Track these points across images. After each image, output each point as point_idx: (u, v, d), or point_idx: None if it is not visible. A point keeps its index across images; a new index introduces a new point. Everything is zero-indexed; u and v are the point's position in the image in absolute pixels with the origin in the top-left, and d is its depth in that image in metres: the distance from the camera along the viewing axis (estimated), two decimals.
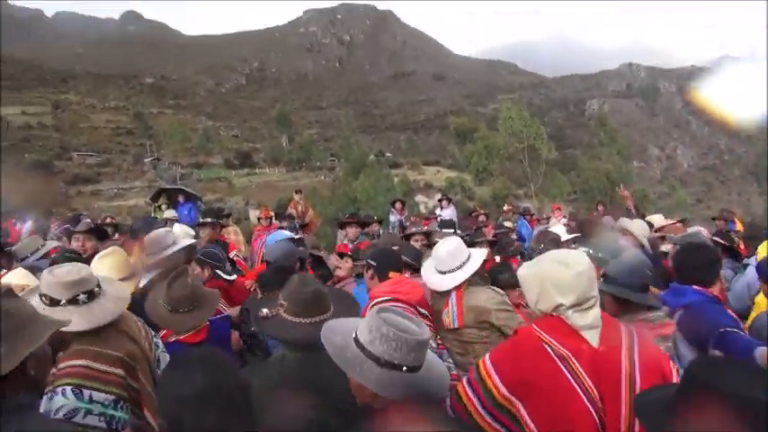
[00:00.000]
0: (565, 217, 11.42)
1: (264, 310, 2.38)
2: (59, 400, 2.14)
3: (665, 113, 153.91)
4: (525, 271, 2.19)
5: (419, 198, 48.74)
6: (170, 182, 47.59)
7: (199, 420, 1.48)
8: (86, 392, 2.18)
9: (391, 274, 3.30)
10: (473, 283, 3.32)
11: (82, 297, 2.31)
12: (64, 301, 2.27)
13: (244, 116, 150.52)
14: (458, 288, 3.23)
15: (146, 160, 77.17)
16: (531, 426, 1.92)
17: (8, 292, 1.91)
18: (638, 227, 5.23)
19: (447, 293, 3.24)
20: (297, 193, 11.67)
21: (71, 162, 74.63)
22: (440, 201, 13.46)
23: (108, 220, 10.28)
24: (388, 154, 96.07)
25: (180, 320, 2.97)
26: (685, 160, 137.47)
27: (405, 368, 1.72)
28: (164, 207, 10.19)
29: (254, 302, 2.74)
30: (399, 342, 1.72)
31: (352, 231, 7.01)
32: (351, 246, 6.41)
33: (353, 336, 1.82)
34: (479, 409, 2.02)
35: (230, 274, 4.46)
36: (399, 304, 2.97)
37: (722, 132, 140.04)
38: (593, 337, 2.00)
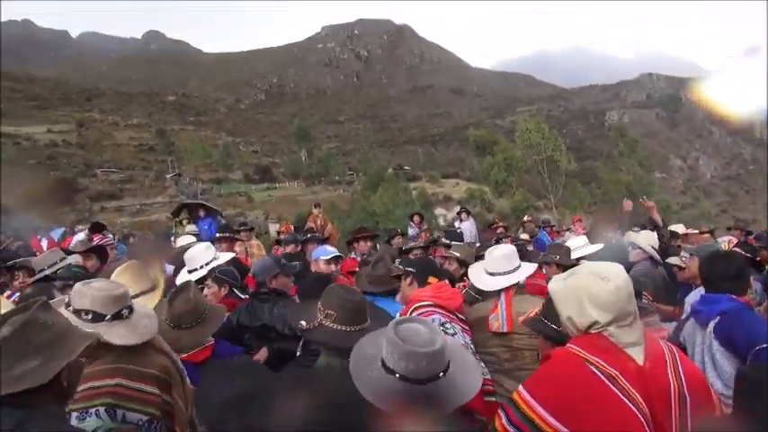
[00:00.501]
0: (585, 229, 11.30)
1: (303, 323, 2.43)
2: (93, 422, 2.10)
3: (686, 123, 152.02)
4: (558, 285, 2.05)
5: (438, 211, 48.64)
6: (191, 197, 48.23)
7: (239, 426, 1.49)
8: (120, 412, 2.14)
9: (431, 280, 3.37)
10: (520, 292, 3.38)
11: (125, 312, 2.28)
12: (109, 316, 2.23)
13: (263, 131, 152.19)
14: (507, 292, 3.28)
15: (167, 176, 78.25)
16: None
17: (44, 304, 1.86)
18: (644, 239, 5.18)
19: (494, 298, 3.31)
20: (316, 206, 11.73)
21: (95, 179, 75.94)
22: (459, 213, 13.43)
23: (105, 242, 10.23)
24: (406, 167, 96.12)
25: (181, 337, 2.87)
26: (708, 170, 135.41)
27: (418, 380, 1.69)
28: (185, 222, 10.31)
29: (292, 311, 2.78)
30: (411, 355, 1.69)
31: (363, 245, 6.96)
32: (359, 259, 6.41)
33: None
34: None
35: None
36: (439, 309, 3.06)
37: (746, 141, 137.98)
38: (638, 355, 1.90)
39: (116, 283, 2.44)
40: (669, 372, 1.91)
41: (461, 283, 4.47)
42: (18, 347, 1.64)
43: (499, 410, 1.96)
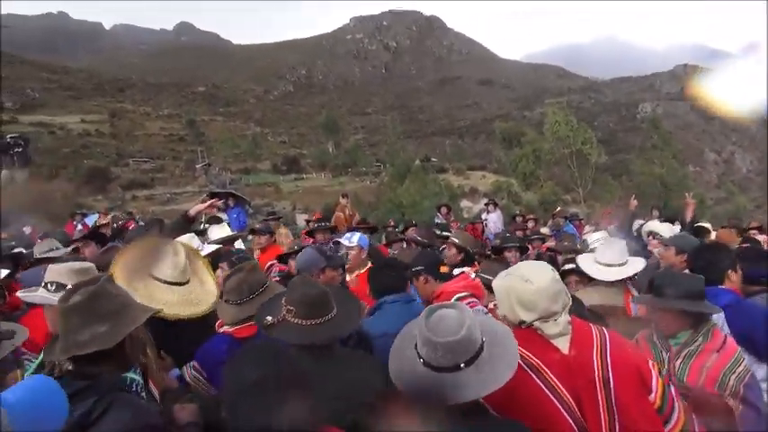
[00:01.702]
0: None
1: (269, 318, 2.42)
2: None
3: (722, 116, 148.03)
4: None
5: (464, 203, 48.26)
6: (220, 187, 48.73)
7: (258, 409, 1.48)
8: None
9: (442, 269, 3.47)
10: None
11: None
12: (70, 286, 2.37)
13: (291, 122, 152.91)
14: None
15: (197, 166, 79.21)
16: None
17: (109, 278, 2.05)
18: (666, 229, 5.16)
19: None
20: (344, 197, 11.76)
21: (127, 168, 77.30)
22: (486, 205, 13.40)
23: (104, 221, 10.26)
24: (433, 159, 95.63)
25: (228, 311, 2.98)
26: (744, 164, 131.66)
27: (441, 367, 1.75)
28: (214, 210, 10.41)
29: (260, 309, 2.72)
30: (436, 345, 1.75)
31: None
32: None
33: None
34: None
35: None
36: (475, 299, 3.16)
37: None
38: (563, 345, 2.08)
39: (83, 262, 2.65)
40: (595, 358, 2.08)
41: (471, 269, 4.38)
42: (88, 314, 1.83)
43: None
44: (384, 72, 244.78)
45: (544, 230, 9.96)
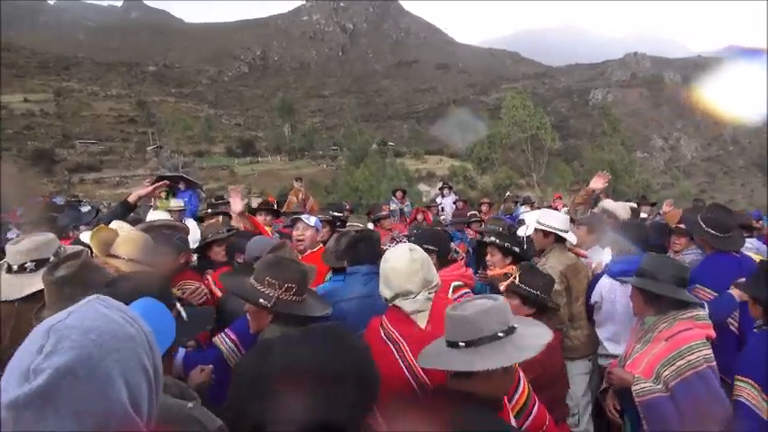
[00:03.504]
0: (565, 206, 11.35)
1: (263, 301, 2.46)
2: None
3: (669, 104, 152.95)
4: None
5: (421, 187, 48.63)
6: (172, 170, 47.56)
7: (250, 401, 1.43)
8: None
9: (451, 257, 3.55)
10: None
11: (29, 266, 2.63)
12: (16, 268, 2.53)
13: (246, 105, 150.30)
14: None
15: (148, 149, 77.13)
16: None
17: (89, 252, 2.30)
18: (619, 208, 5.37)
19: None
20: (297, 180, 11.67)
21: (73, 150, 74.58)
22: (441, 189, 13.50)
23: None
24: (390, 143, 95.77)
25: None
26: (689, 151, 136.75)
27: (461, 344, 1.83)
28: (163, 194, 10.15)
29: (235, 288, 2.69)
30: (458, 321, 1.86)
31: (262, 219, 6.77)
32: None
33: None
34: None
35: None
36: (468, 290, 3.28)
37: (726, 123, 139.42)
38: (421, 321, 2.30)
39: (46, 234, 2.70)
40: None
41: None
42: (78, 284, 1.98)
43: None
44: (341, 54, 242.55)
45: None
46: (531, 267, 3.24)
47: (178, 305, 2.06)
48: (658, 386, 2.63)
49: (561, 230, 4.35)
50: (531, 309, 2.98)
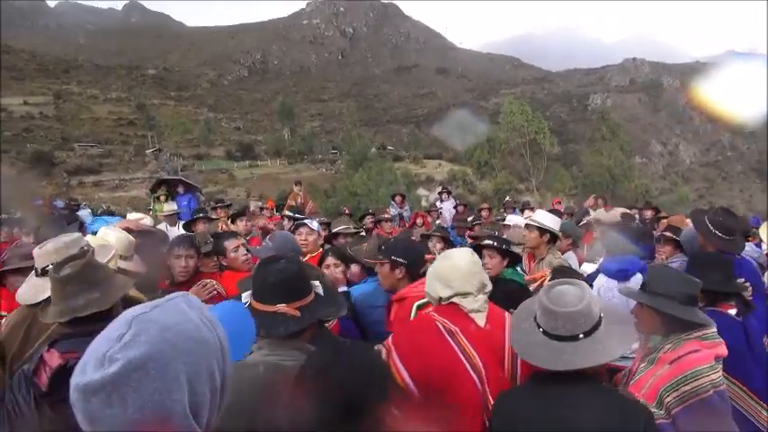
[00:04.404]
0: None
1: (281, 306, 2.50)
2: None
3: (667, 109, 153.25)
4: (430, 268, 2.60)
5: (420, 191, 48.67)
6: (171, 173, 47.57)
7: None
8: None
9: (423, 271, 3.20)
10: None
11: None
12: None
13: (246, 108, 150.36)
14: None
15: (147, 152, 77.17)
16: (408, 379, 2.23)
17: (94, 251, 2.39)
18: (609, 217, 5.42)
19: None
20: (297, 184, 11.68)
21: (72, 153, 74.64)
22: (440, 194, 13.50)
23: None
24: (390, 147, 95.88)
25: None
26: (688, 156, 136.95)
27: (560, 335, 1.89)
28: (162, 198, 10.17)
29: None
30: (556, 314, 1.91)
31: (242, 225, 6.85)
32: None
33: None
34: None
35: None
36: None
37: (725, 128, 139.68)
38: (480, 319, 2.39)
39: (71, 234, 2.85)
40: (506, 333, 2.38)
41: None
42: (81, 282, 2.10)
43: (382, 347, 2.39)
44: (341, 59, 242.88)
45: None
46: (565, 269, 3.24)
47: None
48: (660, 412, 2.38)
49: (555, 229, 4.65)
50: None
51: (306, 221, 5.32)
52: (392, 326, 2.97)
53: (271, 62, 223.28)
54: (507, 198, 14.57)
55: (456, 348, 2.28)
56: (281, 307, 2.01)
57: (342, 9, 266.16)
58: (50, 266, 2.51)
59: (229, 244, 4.23)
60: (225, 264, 4.29)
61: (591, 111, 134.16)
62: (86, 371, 0.87)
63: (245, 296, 2.18)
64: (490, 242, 4.11)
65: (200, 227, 6.33)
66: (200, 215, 6.77)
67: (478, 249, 3.93)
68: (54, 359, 1.98)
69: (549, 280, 3.03)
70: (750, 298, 3.41)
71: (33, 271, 2.67)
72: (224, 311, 1.63)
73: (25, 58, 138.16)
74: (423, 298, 2.95)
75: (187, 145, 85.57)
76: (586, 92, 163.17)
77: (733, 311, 2.97)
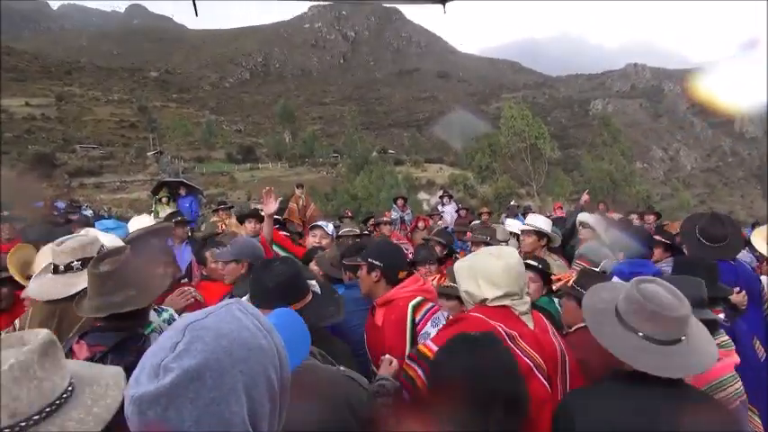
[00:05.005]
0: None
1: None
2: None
3: (668, 114, 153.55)
4: (461, 263, 2.39)
5: (421, 195, 48.63)
6: (172, 175, 47.56)
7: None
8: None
9: (401, 275, 3.08)
10: None
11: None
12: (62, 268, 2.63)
13: (247, 111, 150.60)
14: None
15: (149, 154, 77.24)
16: None
17: (130, 249, 2.36)
18: (595, 220, 5.43)
19: None
20: (298, 187, 11.66)
21: (74, 154, 74.69)
22: (441, 197, 13.53)
23: None
24: (391, 151, 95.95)
25: None
26: (689, 162, 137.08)
27: (660, 340, 1.76)
28: (164, 200, 10.18)
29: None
30: (658, 316, 1.77)
31: (251, 227, 6.41)
32: None
33: (614, 306, 1.88)
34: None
35: None
36: (431, 304, 2.95)
37: (726, 134, 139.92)
38: (529, 322, 2.24)
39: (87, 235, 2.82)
40: (552, 337, 2.26)
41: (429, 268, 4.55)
42: (119, 279, 2.13)
43: (411, 362, 2.19)
44: (342, 62, 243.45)
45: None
46: (590, 271, 3.14)
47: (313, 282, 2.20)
48: None
49: (548, 231, 4.65)
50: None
51: (321, 224, 5.34)
52: (382, 330, 2.81)
53: (272, 65, 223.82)
54: (513, 203, 14.57)
55: (521, 353, 2.11)
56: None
57: (344, 13, 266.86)
58: (74, 263, 2.55)
59: (210, 254, 4.17)
60: (205, 273, 4.27)
61: (592, 116, 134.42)
62: (141, 381, 0.86)
63: (245, 300, 2.18)
64: (534, 263, 3.64)
65: (179, 231, 6.04)
66: (178, 219, 6.39)
67: None
68: (83, 351, 2.00)
69: (575, 281, 2.96)
70: (745, 303, 3.43)
71: (46, 268, 2.66)
72: (278, 318, 1.59)
73: (28, 60, 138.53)
74: (415, 297, 2.89)
75: (188, 147, 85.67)
76: (587, 97, 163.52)
77: (721, 316, 2.88)
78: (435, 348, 2.05)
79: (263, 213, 5.17)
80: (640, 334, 1.78)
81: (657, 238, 4.89)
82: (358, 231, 5.98)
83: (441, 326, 2.68)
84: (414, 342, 2.75)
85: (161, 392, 0.83)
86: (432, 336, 2.62)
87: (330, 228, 5.27)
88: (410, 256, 4.72)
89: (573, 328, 2.87)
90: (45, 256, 2.92)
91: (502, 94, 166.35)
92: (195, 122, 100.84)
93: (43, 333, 1.18)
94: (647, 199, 40.88)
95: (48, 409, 1.10)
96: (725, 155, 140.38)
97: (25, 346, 1.12)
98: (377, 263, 3.05)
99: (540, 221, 4.84)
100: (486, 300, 2.23)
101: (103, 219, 8.95)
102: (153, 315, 2.57)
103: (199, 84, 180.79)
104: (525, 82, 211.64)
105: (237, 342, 0.91)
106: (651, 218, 9.17)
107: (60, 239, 2.68)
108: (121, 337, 1.97)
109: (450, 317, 2.94)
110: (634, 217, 9.55)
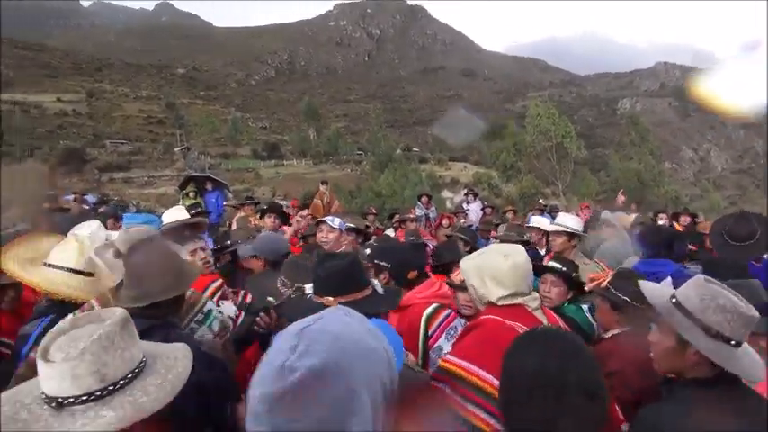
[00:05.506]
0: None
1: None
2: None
3: (699, 114, 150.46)
4: (467, 263, 2.34)
5: (445, 194, 48.46)
6: (199, 171, 48.03)
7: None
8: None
9: (411, 275, 3.01)
10: None
11: None
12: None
13: (272, 108, 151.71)
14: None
15: (176, 149, 78.20)
16: None
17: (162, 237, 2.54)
18: (619, 219, 5.39)
19: None
20: (323, 183, 11.72)
21: (104, 150, 76.02)
22: (466, 195, 13.49)
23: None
24: (415, 149, 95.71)
25: None
26: (719, 163, 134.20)
27: (732, 342, 1.68)
28: (191, 194, 10.26)
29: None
30: (735, 315, 1.68)
31: (270, 222, 6.62)
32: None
33: (672, 300, 1.81)
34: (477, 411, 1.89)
35: None
36: (447, 311, 2.85)
37: (758, 135, 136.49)
38: (542, 317, 2.23)
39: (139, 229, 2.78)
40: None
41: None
42: (155, 268, 2.19)
43: (436, 383, 2.03)
44: (367, 60, 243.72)
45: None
46: (626, 272, 3.04)
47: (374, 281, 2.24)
48: None
49: (580, 231, 4.59)
50: (620, 314, 2.73)
51: (326, 219, 5.31)
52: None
53: (298, 63, 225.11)
54: (540, 201, 14.51)
55: None
56: (328, 300, 2.09)
57: (369, 11, 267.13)
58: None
59: (187, 248, 4.12)
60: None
61: (620, 115, 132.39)
62: (265, 382, 0.88)
63: (308, 288, 2.31)
64: (558, 266, 3.39)
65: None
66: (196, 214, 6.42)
67: (539, 272, 3.40)
68: None
69: (610, 282, 2.86)
70: None
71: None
72: (376, 322, 1.50)
73: (59, 57, 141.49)
74: (430, 305, 2.82)
75: (214, 144, 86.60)
76: (615, 96, 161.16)
77: None
78: (463, 363, 1.96)
79: (286, 210, 5.20)
80: (732, 342, 1.69)
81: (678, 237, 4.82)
82: (353, 226, 5.92)
83: (456, 335, 2.61)
84: (425, 355, 2.71)
85: (288, 390, 0.85)
86: (445, 350, 2.58)
87: (336, 222, 5.21)
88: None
89: (608, 334, 2.76)
90: (68, 243, 2.90)
91: (528, 92, 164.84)
92: (221, 119, 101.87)
93: (120, 310, 1.41)
94: (676, 200, 40.11)
95: (130, 375, 1.33)
96: (757, 156, 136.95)
97: (105, 321, 1.36)
98: (384, 264, 3.00)
99: (570, 221, 4.75)
100: (494, 300, 2.18)
101: (132, 213, 9.09)
102: (211, 304, 2.75)
103: (225, 81, 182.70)
104: (552, 80, 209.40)
105: (351, 343, 0.93)
106: (686, 219, 8.98)
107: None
108: (150, 324, 1.97)
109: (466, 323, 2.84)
110: (663, 217, 9.37)
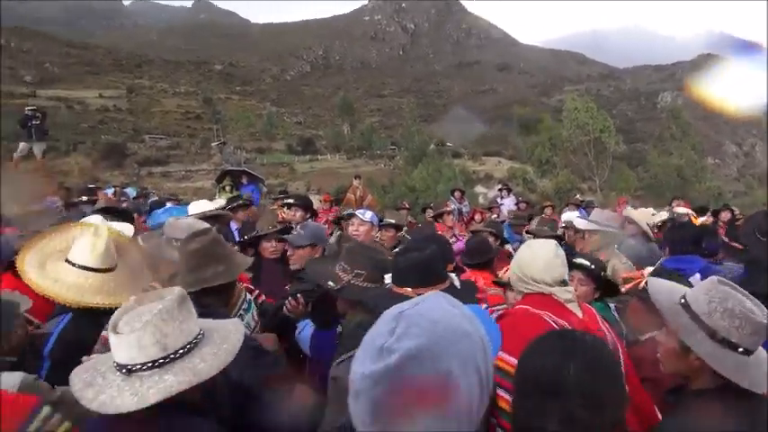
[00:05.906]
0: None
1: (330, 282, 2.58)
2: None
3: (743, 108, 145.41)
4: (512, 263, 2.47)
5: (478, 189, 48.06)
6: (235, 165, 48.70)
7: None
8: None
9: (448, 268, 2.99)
10: None
11: None
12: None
13: (307, 103, 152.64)
14: None
15: (213, 144, 79.43)
16: None
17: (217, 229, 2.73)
18: (640, 215, 5.30)
19: None
20: (356, 178, 11.79)
21: (143, 144, 77.73)
22: (500, 190, 13.38)
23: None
24: (449, 144, 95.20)
25: None
26: (764, 158, 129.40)
27: (740, 349, 1.58)
28: (227, 188, 10.45)
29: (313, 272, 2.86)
30: (744, 321, 1.57)
31: (299, 214, 6.22)
32: None
33: (681, 300, 1.72)
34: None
35: None
36: (484, 305, 2.96)
37: None
38: (576, 310, 2.25)
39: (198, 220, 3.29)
40: (601, 325, 2.31)
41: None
42: (208, 256, 2.30)
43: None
44: (401, 54, 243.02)
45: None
46: (668, 271, 2.93)
47: None
48: None
49: (614, 230, 4.58)
50: (656, 317, 2.64)
51: (357, 212, 5.33)
52: None
53: (332, 58, 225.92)
54: (576, 196, 14.35)
55: None
56: (407, 291, 2.16)
57: (403, 5, 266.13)
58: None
59: None
60: None
61: (660, 109, 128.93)
62: (365, 363, 0.90)
63: (387, 278, 2.40)
64: (585, 263, 3.25)
65: (239, 214, 6.19)
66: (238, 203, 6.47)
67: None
68: None
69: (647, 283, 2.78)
70: None
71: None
72: (473, 309, 1.45)
73: (101, 54, 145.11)
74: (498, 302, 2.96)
75: (250, 138, 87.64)
76: (656, 89, 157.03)
77: None
78: (509, 358, 1.88)
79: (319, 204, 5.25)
80: (740, 350, 1.58)
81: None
82: (393, 222, 5.81)
83: None
84: None
85: (387, 370, 0.86)
86: None
87: (368, 215, 5.18)
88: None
89: (644, 337, 2.66)
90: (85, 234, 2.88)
91: (564, 86, 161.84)
92: (257, 114, 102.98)
93: (177, 288, 1.62)
94: (719, 196, 38.90)
95: (189, 346, 1.52)
96: None
97: (165, 298, 1.56)
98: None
99: (605, 217, 4.64)
100: (522, 289, 2.31)
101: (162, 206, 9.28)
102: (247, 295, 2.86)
103: (261, 76, 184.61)
104: (589, 74, 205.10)
105: (449, 328, 0.93)
106: (726, 215, 8.73)
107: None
108: (199, 312, 1.99)
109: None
110: (679, 203, 9.14)
